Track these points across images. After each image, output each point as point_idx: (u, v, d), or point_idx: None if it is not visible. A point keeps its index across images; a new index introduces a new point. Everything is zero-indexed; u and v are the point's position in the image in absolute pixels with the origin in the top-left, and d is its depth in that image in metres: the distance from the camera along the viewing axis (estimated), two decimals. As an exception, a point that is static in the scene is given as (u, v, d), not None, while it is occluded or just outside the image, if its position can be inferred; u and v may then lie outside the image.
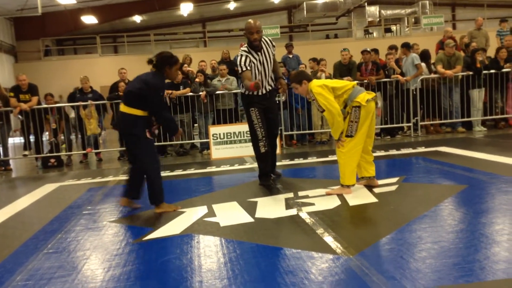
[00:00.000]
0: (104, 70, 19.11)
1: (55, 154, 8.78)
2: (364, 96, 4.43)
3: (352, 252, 2.95)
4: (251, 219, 3.94)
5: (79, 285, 2.75)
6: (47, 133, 9.33)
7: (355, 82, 4.55)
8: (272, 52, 5.30)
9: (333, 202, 4.28)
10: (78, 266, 3.08)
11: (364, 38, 22.28)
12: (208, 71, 10.23)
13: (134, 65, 13.24)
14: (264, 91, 5.26)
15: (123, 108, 4.30)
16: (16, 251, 3.50)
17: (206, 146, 8.83)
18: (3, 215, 4.78)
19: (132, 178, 4.54)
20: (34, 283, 2.81)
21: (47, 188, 6.27)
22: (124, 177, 6.46)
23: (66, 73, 19.50)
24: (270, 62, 5.27)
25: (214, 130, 8.28)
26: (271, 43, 5.32)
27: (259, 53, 5.18)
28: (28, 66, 19.77)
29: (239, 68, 5.16)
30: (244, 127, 8.34)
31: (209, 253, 3.16)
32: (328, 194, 4.57)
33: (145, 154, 4.32)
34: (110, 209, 4.70)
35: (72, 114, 9.80)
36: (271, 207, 4.31)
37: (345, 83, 4.58)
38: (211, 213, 4.23)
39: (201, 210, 4.34)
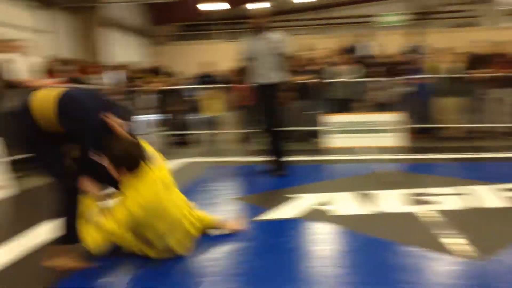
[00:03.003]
0: (226, 55, 19.88)
1: (181, 132, 9.44)
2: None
3: (478, 256, 2.78)
4: (367, 211, 3.89)
5: (196, 255, 2.96)
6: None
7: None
8: (273, 46, 5.28)
9: (462, 202, 4.03)
10: (200, 238, 3.31)
11: (500, 27, 20.29)
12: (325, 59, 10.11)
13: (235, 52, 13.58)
14: (257, 82, 5.35)
15: None
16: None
17: (323, 134, 8.79)
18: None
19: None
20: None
21: (173, 163, 6.77)
22: (242, 159, 6.74)
23: (192, 57, 20.64)
24: (269, 55, 5.29)
25: (329, 118, 8.23)
26: (279, 39, 5.30)
27: (261, 41, 5.31)
28: (161, 50, 21.31)
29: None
30: (363, 117, 8.18)
31: (320, 240, 3.19)
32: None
33: None
34: (229, 187, 4.94)
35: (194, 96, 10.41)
36: (391, 201, 4.19)
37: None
38: (326, 201, 4.24)
39: (316, 197, 4.37)
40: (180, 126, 9.54)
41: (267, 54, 5.27)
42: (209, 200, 4.41)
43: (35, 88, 2.80)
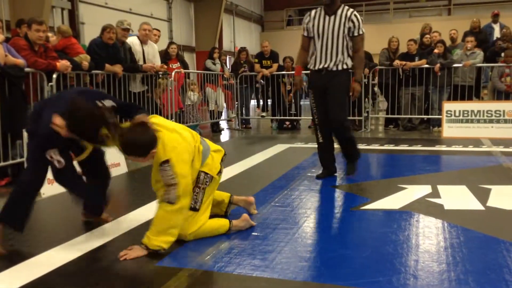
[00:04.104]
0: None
1: (288, 118, 9.49)
2: (215, 162, 3.00)
3: None
4: (481, 207, 3.57)
5: (299, 239, 2.95)
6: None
7: (199, 136, 2.99)
8: (345, 25, 4.34)
9: None
10: (299, 222, 3.30)
11: None
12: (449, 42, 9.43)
13: (370, 34, 13.06)
14: (320, 66, 4.44)
15: None
16: (249, 199, 3.92)
17: (437, 123, 8.28)
18: (242, 166, 5.43)
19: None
20: (261, 229, 3.14)
21: (279, 148, 6.84)
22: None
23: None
24: (340, 36, 4.36)
25: (449, 106, 7.68)
26: (350, 17, 4.37)
27: (331, 18, 4.38)
28: (272, 35, 21.57)
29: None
30: (484, 106, 7.53)
31: (428, 234, 3.00)
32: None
33: None
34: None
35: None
36: (509, 197, 3.82)
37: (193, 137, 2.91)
38: (435, 193, 3.98)
39: (424, 189, 4.12)
40: (289, 111, 9.59)
41: (334, 35, 4.37)
42: (308, 187, 4.37)
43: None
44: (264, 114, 10.43)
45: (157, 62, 7.16)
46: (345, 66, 4.43)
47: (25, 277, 2.44)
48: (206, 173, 2.92)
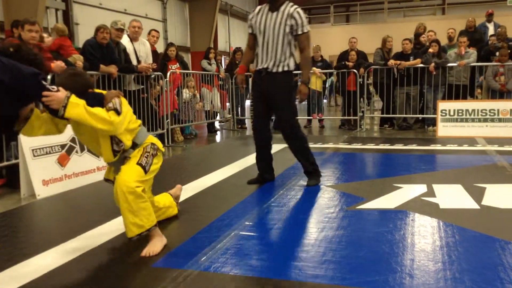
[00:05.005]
0: (335, 39, 19.48)
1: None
2: (157, 141, 3.01)
3: None
4: (476, 206, 3.59)
5: (295, 239, 2.96)
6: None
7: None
8: (286, 23, 4.06)
9: None
10: (295, 222, 3.31)
11: None
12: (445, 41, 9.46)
13: (365, 34, 13.11)
14: (261, 67, 4.18)
15: None
16: (245, 200, 3.93)
17: (432, 122, 8.31)
18: (237, 167, 5.42)
19: None
20: (257, 229, 3.14)
21: (275, 147, 6.73)
22: (343, 146, 6.64)
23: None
24: (280, 34, 4.08)
25: (443, 105, 7.71)
26: (292, 13, 4.06)
27: (273, 14, 4.10)
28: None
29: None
30: (478, 105, 7.57)
31: (424, 233, 3.01)
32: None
33: None
34: (328, 174, 4.86)
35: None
36: (504, 196, 3.84)
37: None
38: (431, 192, 4.00)
39: (420, 188, 4.14)
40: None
41: (274, 32, 4.08)
42: (304, 187, 4.38)
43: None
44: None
45: (150, 61, 7.12)
46: (286, 68, 4.16)
47: (21, 279, 2.43)
48: (152, 144, 2.90)
